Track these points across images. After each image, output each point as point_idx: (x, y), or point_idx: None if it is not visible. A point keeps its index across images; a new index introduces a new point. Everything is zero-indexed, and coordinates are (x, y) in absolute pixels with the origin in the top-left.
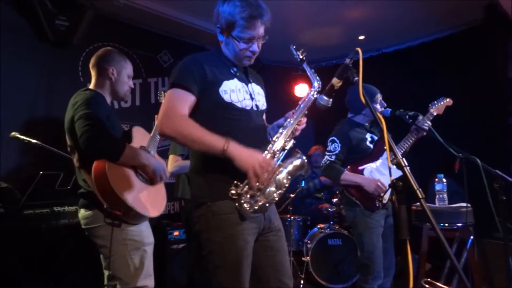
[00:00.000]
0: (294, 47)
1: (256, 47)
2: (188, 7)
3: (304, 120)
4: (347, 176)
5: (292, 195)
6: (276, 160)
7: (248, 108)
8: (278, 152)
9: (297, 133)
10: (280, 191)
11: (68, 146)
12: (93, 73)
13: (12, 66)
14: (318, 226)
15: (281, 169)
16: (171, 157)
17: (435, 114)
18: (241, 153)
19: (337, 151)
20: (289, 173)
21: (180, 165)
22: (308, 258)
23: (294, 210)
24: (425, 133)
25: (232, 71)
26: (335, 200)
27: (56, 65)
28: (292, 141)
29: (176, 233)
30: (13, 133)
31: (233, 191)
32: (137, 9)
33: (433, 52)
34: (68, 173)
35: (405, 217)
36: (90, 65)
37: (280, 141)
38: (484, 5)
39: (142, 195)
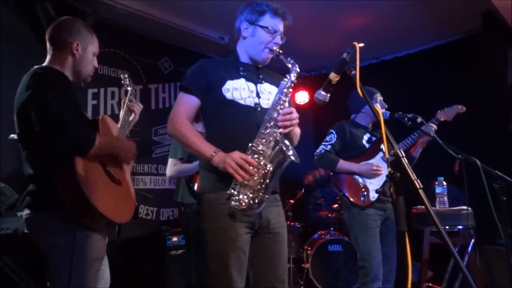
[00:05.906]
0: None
1: (279, 39)
2: (189, 15)
3: (288, 110)
4: (343, 165)
5: (292, 201)
6: (261, 152)
7: (252, 105)
8: (263, 146)
9: (286, 125)
10: (267, 181)
11: (17, 134)
12: (50, 47)
13: (13, 71)
14: (318, 233)
15: (265, 160)
16: (170, 160)
17: (441, 119)
18: (219, 158)
19: (332, 141)
20: (272, 161)
21: (179, 169)
22: (308, 264)
23: (295, 216)
24: (430, 138)
25: (241, 72)
26: (335, 206)
27: None
28: (279, 131)
29: (175, 239)
30: (12, 135)
31: (229, 192)
32: (138, 16)
33: (432, 59)
34: None
35: (403, 208)
36: (47, 36)
37: (260, 136)
38: (481, 12)
39: (112, 198)
